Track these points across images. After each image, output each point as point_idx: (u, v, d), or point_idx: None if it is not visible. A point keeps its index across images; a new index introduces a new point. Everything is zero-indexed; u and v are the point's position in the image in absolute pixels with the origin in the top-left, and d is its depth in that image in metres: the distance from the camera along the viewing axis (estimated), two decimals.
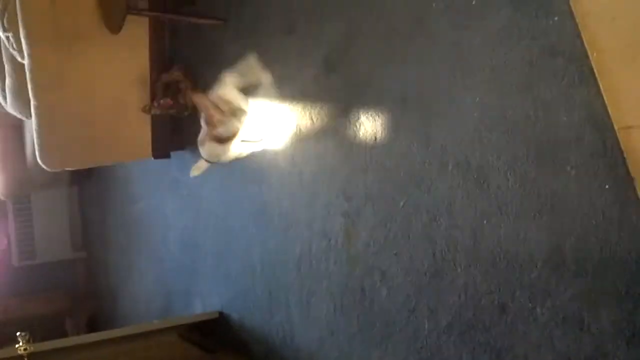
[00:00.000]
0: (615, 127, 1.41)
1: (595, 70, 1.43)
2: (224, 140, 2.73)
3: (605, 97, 1.42)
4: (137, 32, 3.13)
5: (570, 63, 1.49)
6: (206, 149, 2.78)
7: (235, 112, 2.73)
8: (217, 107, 2.73)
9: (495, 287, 1.70)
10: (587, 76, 1.45)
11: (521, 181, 1.61)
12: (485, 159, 1.69)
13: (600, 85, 1.43)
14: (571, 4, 1.47)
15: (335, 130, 2.28)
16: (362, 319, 2.20)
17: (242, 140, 2.79)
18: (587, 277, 1.48)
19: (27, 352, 2.78)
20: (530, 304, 1.61)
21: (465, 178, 1.76)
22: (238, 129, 2.72)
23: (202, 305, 3.43)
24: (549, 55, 1.53)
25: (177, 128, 3.43)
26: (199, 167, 2.93)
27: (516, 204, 1.62)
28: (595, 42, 1.44)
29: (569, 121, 1.50)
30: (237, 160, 2.86)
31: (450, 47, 1.81)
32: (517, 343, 1.65)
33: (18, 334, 2.84)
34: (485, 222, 1.71)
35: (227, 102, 2.73)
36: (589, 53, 1.45)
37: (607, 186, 1.43)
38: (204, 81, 3.17)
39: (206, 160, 2.84)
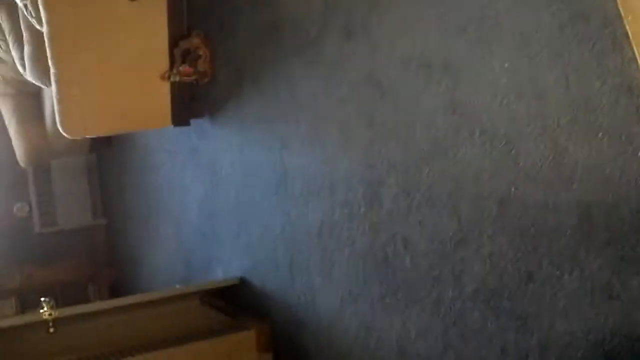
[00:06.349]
0: None
1: (630, 35, 1.40)
2: None
3: None
4: None
5: (603, 27, 1.45)
6: None
7: None
8: None
9: (522, 255, 1.69)
10: (621, 41, 1.41)
11: (551, 148, 1.58)
12: (514, 125, 1.67)
13: (635, 50, 1.39)
14: None
15: (357, 96, 2.26)
16: (385, 286, 2.20)
17: None
18: (617, 246, 1.46)
19: (51, 317, 2.84)
20: (557, 272, 1.60)
21: (492, 145, 1.74)
22: None
23: (223, 272, 3.46)
24: (581, 20, 1.49)
25: (196, 95, 3.42)
26: None
27: (545, 172, 1.60)
28: (630, 5, 1.39)
29: (601, 87, 1.46)
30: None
31: (477, 11, 1.76)
32: (544, 311, 1.65)
33: (42, 299, 2.90)
34: (513, 189, 1.69)
35: None
36: (623, 16, 1.41)
37: None
38: (222, 48, 3.15)
39: None
